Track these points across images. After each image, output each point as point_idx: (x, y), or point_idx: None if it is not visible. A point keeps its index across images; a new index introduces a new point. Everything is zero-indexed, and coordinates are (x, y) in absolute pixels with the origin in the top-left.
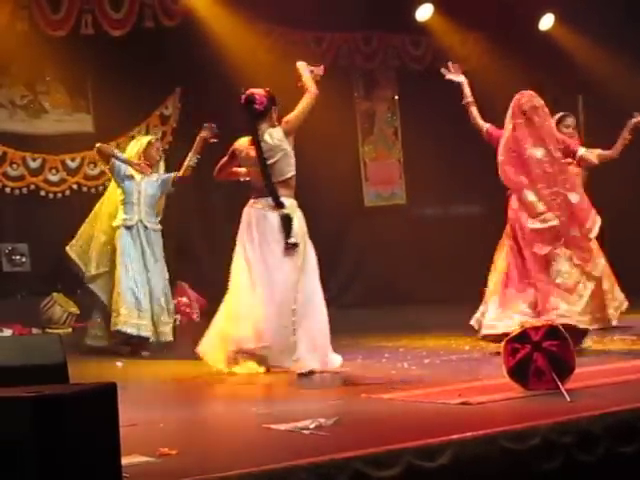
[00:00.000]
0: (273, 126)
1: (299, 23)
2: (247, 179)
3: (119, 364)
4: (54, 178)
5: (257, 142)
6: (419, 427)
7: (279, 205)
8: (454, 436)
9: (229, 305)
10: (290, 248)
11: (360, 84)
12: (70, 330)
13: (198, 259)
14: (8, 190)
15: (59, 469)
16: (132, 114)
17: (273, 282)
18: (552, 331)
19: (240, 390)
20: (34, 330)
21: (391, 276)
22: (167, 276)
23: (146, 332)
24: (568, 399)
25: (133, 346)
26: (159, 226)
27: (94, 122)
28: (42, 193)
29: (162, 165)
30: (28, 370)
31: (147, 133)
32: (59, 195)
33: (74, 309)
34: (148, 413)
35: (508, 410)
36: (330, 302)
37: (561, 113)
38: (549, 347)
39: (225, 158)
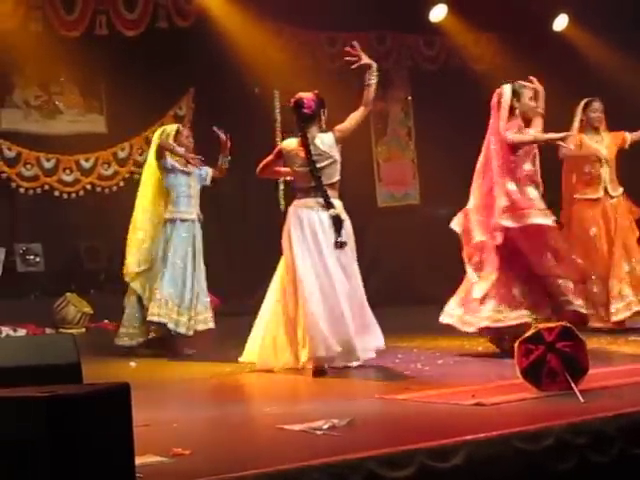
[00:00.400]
0: (322, 130)
1: (312, 23)
2: (289, 179)
3: (132, 364)
4: (68, 178)
5: (307, 145)
6: (432, 428)
7: (329, 205)
8: (467, 437)
9: (288, 309)
10: (339, 247)
11: None
12: (84, 330)
13: (212, 258)
14: (22, 190)
15: (73, 469)
16: (145, 115)
17: (332, 282)
18: (566, 332)
19: (254, 390)
20: (48, 330)
21: (404, 276)
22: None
23: (184, 329)
24: (582, 400)
25: (172, 346)
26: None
27: (107, 123)
28: (56, 193)
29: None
30: (42, 370)
31: None
32: (73, 195)
33: (88, 309)
34: (162, 413)
35: (522, 411)
36: None
37: (587, 99)
38: (563, 348)
39: (270, 157)
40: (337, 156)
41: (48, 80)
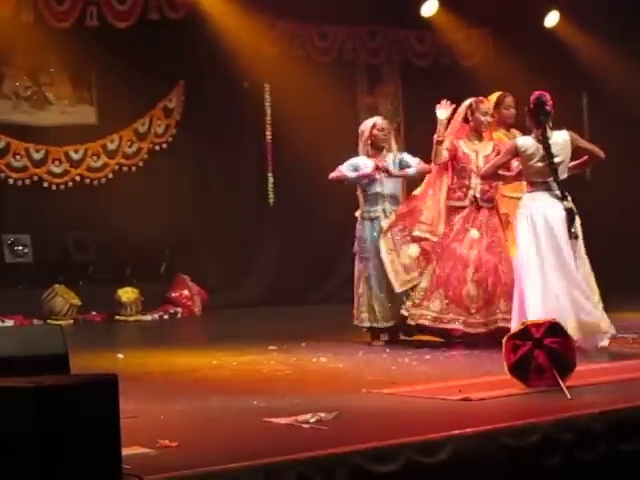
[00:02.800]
0: (553, 128)
1: (304, 17)
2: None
3: (120, 356)
4: (57, 169)
5: (547, 141)
6: (419, 422)
7: (564, 198)
8: (454, 432)
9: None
10: (573, 237)
11: (364, 79)
12: (72, 322)
13: (199, 252)
14: (11, 181)
15: (59, 459)
16: (135, 106)
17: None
18: (553, 328)
19: (241, 383)
20: (35, 321)
21: None
22: None
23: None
24: (569, 396)
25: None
26: None
27: (97, 114)
28: (45, 184)
29: (393, 145)
30: (29, 360)
31: (150, 126)
32: (62, 187)
33: (75, 301)
34: (149, 405)
35: (509, 406)
36: (331, 297)
37: (499, 93)
38: (550, 344)
39: (502, 156)
40: (569, 155)
41: (38, 71)
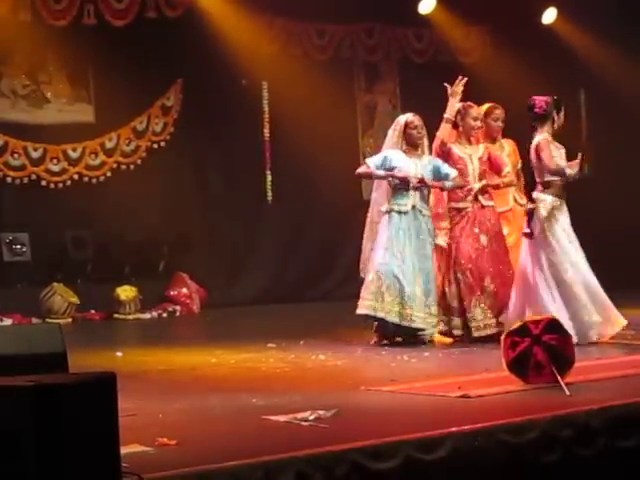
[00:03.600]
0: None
1: (301, 15)
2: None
3: (119, 354)
4: (55, 168)
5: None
6: (418, 420)
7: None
8: (453, 429)
9: None
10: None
11: (361, 76)
12: (70, 320)
13: (197, 250)
14: (9, 180)
15: (58, 458)
16: (133, 105)
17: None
18: (552, 325)
19: (239, 381)
20: (34, 320)
21: None
22: None
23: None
24: (567, 393)
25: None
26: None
27: (95, 112)
28: (43, 183)
29: (426, 143)
30: (28, 359)
31: (148, 124)
32: (60, 185)
33: (74, 299)
34: (148, 403)
35: (507, 403)
36: (329, 295)
37: (489, 105)
38: (549, 341)
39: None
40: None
41: (36, 69)
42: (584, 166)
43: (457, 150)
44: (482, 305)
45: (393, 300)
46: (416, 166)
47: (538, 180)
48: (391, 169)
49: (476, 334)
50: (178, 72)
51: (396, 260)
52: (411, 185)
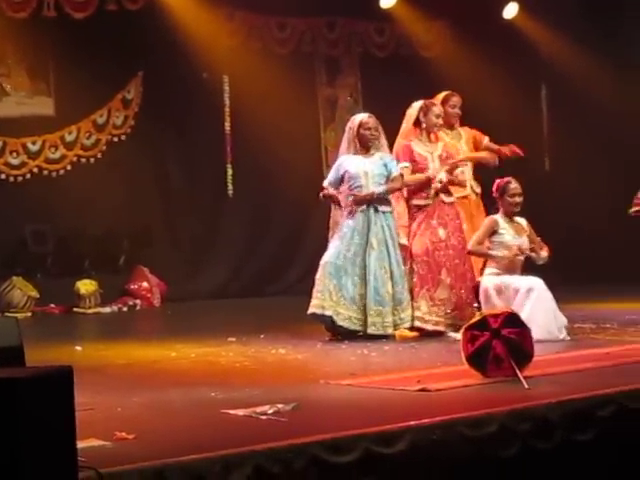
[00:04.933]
0: None
1: (262, 8)
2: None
3: (78, 348)
4: (15, 161)
5: None
6: (377, 413)
7: None
8: (412, 422)
9: None
10: None
11: (323, 70)
12: (30, 314)
13: (158, 244)
14: None
15: (14, 452)
16: (93, 98)
17: None
18: (511, 319)
19: (198, 375)
20: None
21: None
22: None
23: None
24: (526, 386)
25: None
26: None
27: (55, 105)
28: (2, 176)
29: (384, 143)
30: None
31: (109, 118)
32: (20, 178)
33: (34, 293)
34: (107, 397)
35: (466, 397)
36: (290, 289)
37: (445, 93)
38: (508, 334)
39: None
40: None
41: None
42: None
43: (418, 149)
44: (430, 300)
45: (339, 299)
46: (364, 165)
47: None
48: (343, 175)
49: (417, 324)
50: (139, 65)
51: (346, 260)
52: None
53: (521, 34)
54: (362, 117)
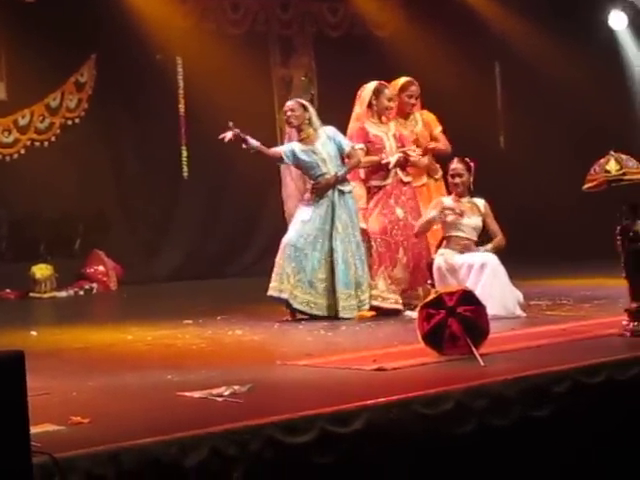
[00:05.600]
0: None
1: None
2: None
3: (34, 333)
4: None
5: None
6: (333, 393)
7: None
8: (368, 402)
9: None
10: None
11: (277, 51)
12: None
13: (114, 227)
14: None
15: None
16: (46, 81)
17: None
18: (466, 296)
19: (154, 358)
20: None
21: None
22: None
23: None
24: (482, 364)
25: None
26: None
27: (7, 89)
28: None
29: (316, 121)
30: None
31: (62, 101)
32: None
33: None
34: (62, 382)
35: (422, 375)
36: (248, 270)
37: (405, 80)
38: (463, 312)
39: None
40: None
41: None
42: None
43: (372, 129)
44: (388, 279)
45: (296, 282)
46: (318, 150)
47: None
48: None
49: (375, 303)
50: (92, 48)
51: (306, 243)
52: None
53: (474, 12)
54: (286, 105)
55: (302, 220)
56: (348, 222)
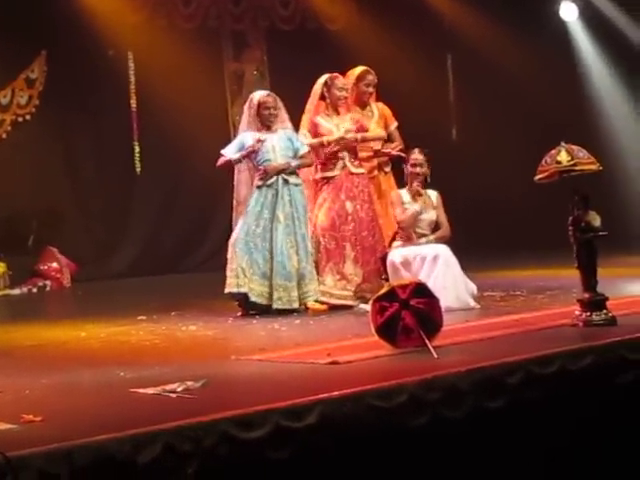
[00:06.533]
0: None
1: None
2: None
3: None
4: None
5: None
6: (287, 387)
7: None
8: (322, 395)
9: None
10: None
11: (229, 45)
12: None
13: (67, 223)
14: None
15: None
16: None
17: None
18: (420, 289)
19: (108, 355)
20: None
21: None
22: None
23: None
24: (435, 356)
25: None
26: None
27: None
28: None
29: (284, 117)
30: None
31: (12, 98)
32: None
33: None
34: (14, 380)
35: (376, 368)
36: (202, 266)
37: (362, 69)
38: (417, 305)
39: None
40: None
41: None
42: None
43: (324, 122)
44: (337, 275)
45: (251, 276)
46: (270, 140)
47: None
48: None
49: (323, 299)
50: (42, 44)
51: (255, 235)
52: (260, 148)
53: (426, 4)
54: (260, 96)
55: (248, 212)
56: (292, 213)
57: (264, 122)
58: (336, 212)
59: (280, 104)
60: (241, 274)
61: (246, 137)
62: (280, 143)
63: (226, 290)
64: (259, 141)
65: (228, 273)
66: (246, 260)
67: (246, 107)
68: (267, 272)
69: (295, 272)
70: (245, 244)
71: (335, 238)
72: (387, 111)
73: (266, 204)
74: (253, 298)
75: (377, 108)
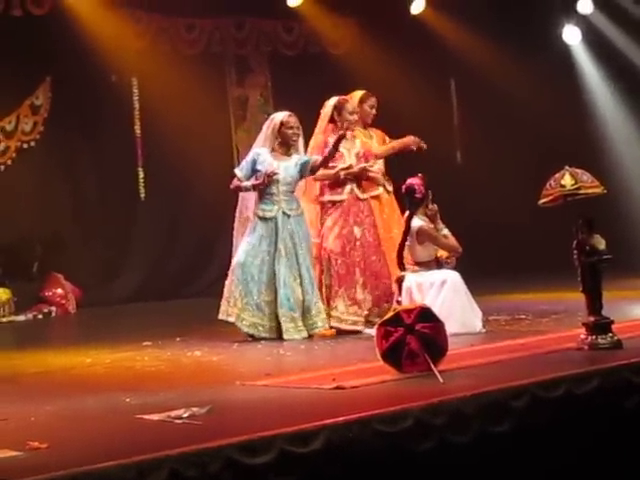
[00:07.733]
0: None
1: (170, 9)
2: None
3: None
4: None
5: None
6: (293, 413)
7: None
8: (327, 421)
9: None
10: None
11: (232, 70)
12: None
13: (72, 249)
14: None
15: None
16: (1, 105)
17: None
18: (424, 314)
19: (113, 381)
20: None
21: None
22: None
23: None
24: (441, 380)
25: None
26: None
27: None
28: None
29: (301, 143)
30: None
31: (17, 124)
32: None
33: None
34: (20, 407)
35: (381, 393)
36: (206, 291)
37: (363, 92)
38: (422, 329)
39: None
40: None
41: None
42: None
43: None
44: (348, 300)
45: (244, 306)
46: (283, 168)
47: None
48: (255, 172)
49: (334, 324)
50: (46, 70)
51: (252, 266)
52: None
53: (429, 29)
54: (283, 116)
55: (248, 242)
56: (295, 245)
57: (285, 141)
58: (345, 237)
59: (300, 130)
60: (232, 303)
61: (260, 156)
62: (286, 177)
63: (219, 316)
64: (270, 176)
65: (222, 300)
66: (240, 290)
67: (265, 126)
68: (261, 304)
69: (300, 303)
70: (242, 274)
71: (346, 264)
72: (379, 133)
73: (265, 236)
74: (244, 329)
75: (375, 133)
